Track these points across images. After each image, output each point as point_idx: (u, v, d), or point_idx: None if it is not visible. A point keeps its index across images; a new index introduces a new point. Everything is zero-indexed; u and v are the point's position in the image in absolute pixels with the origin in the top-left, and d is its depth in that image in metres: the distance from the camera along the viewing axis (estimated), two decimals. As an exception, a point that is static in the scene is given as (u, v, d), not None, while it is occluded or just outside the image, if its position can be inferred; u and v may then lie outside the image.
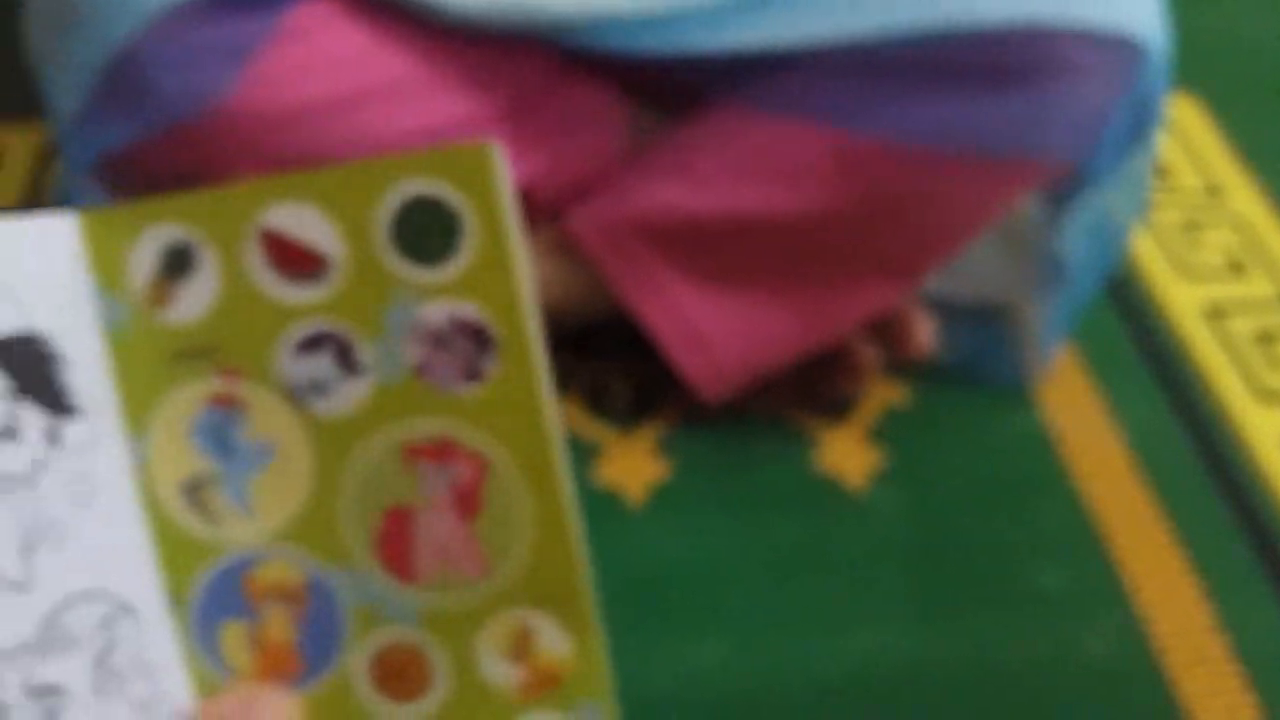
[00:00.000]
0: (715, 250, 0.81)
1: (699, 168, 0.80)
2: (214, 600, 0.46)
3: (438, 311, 0.44)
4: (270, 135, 0.74)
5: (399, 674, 0.47)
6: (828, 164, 0.77)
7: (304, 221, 0.44)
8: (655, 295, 0.82)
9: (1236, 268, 1.03)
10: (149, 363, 0.45)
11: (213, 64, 0.72)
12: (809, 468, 0.87)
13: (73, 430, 0.44)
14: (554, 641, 0.47)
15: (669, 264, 0.82)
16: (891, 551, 0.83)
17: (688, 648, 0.77)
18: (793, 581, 0.81)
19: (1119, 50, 0.74)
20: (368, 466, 0.46)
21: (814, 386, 0.90)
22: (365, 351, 0.45)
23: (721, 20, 0.73)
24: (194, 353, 0.45)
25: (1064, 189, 0.82)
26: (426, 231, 0.44)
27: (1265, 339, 0.96)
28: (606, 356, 0.91)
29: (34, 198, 1.02)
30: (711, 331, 0.83)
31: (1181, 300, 1.00)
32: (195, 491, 0.46)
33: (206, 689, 0.47)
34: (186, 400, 0.46)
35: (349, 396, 0.45)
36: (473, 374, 0.44)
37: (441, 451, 0.45)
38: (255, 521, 0.46)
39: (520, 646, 0.47)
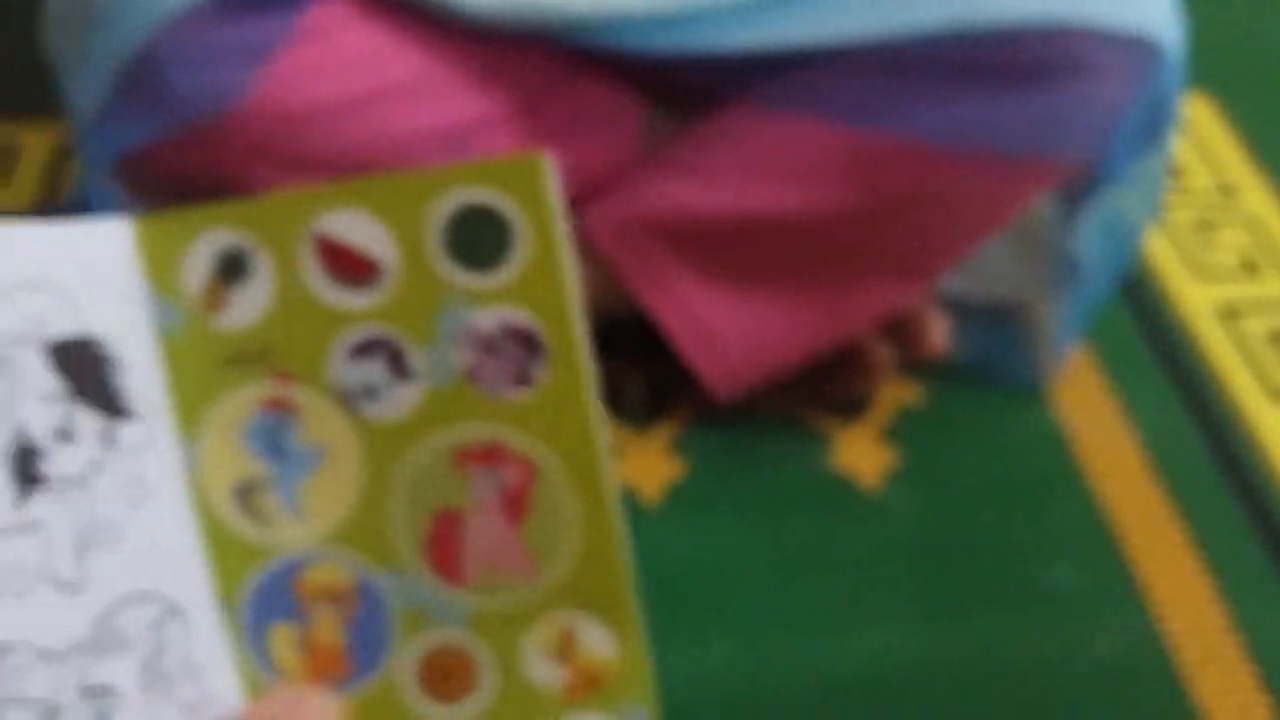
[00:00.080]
0: (729, 249, 0.81)
1: (713, 167, 0.80)
2: (264, 602, 0.47)
3: (489, 318, 0.45)
4: (287, 134, 0.74)
5: (445, 675, 0.48)
6: (841, 163, 0.77)
7: (358, 228, 0.45)
8: (669, 294, 0.83)
9: (1250, 268, 1.02)
10: (202, 366, 0.46)
11: (230, 64, 0.72)
12: (822, 467, 0.87)
13: (127, 432, 0.45)
14: (598, 643, 0.47)
15: (683, 263, 0.82)
16: (904, 551, 0.83)
17: (698, 646, 0.77)
18: (806, 580, 0.81)
19: (1134, 50, 0.74)
20: (418, 470, 0.46)
21: (828, 386, 0.90)
22: (417, 357, 0.46)
23: (737, 20, 0.73)
24: (247, 357, 0.46)
25: (1078, 188, 0.83)
26: (479, 239, 0.44)
27: (1278, 339, 0.96)
28: (620, 356, 0.91)
29: (50, 196, 1.03)
30: (725, 330, 0.83)
31: (1195, 300, 1.00)
32: (247, 494, 0.47)
33: (256, 691, 0.47)
34: (239, 404, 0.46)
35: (400, 401, 0.46)
36: (522, 379, 0.45)
37: (490, 455, 0.46)
38: (306, 524, 0.47)
39: (565, 648, 0.47)
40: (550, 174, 0.44)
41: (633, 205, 0.81)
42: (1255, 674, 0.76)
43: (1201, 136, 1.14)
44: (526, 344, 0.45)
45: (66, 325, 0.44)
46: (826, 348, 0.86)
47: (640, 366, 0.90)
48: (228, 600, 0.47)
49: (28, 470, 0.43)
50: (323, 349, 0.46)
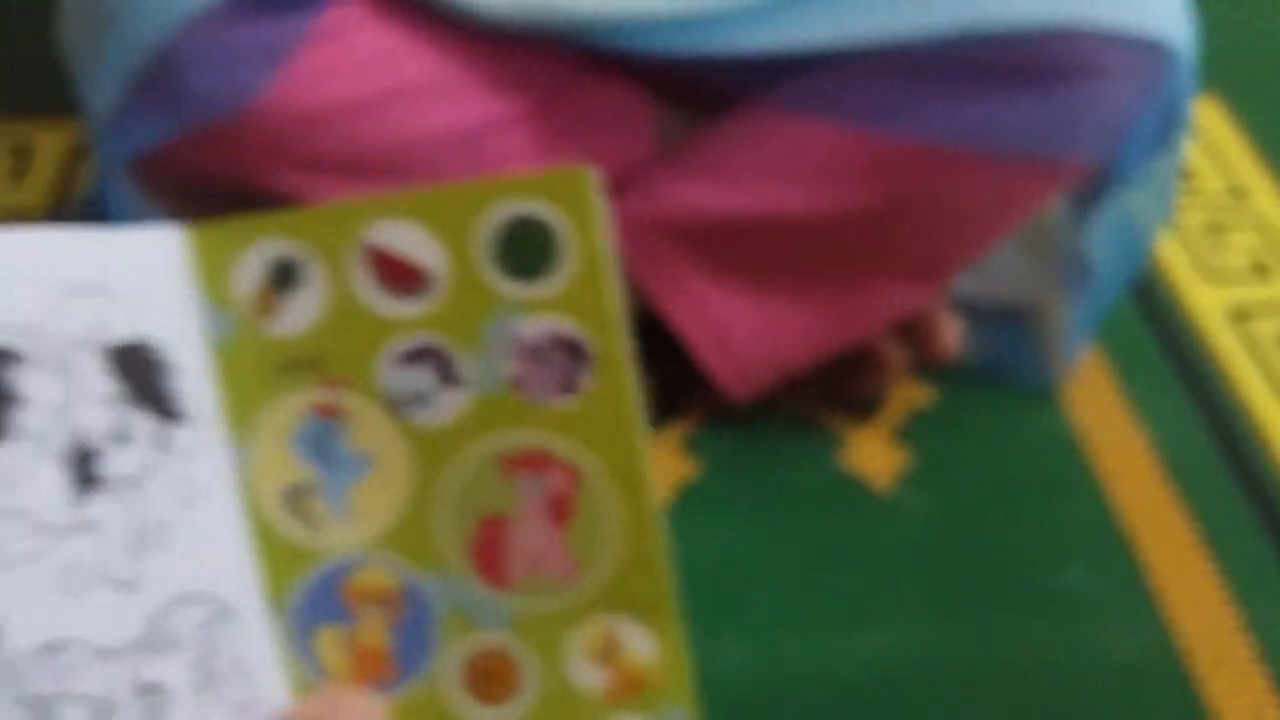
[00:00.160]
0: (742, 250, 0.82)
1: (727, 168, 0.80)
2: (312, 605, 0.48)
3: (536, 327, 0.46)
4: (303, 134, 0.74)
5: (489, 678, 0.48)
6: (854, 164, 0.77)
7: (408, 238, 0.46)
8: (682, 295, 0.83)
9: (1261, 270, 1.03)
10: (253, 373, 0.47)
11: (247, 64, 0.72)
12: (835, 467, 0.88)
13: (180, 436, 0.45)
14: (640, 646, 0.48)
15: (696, 264, 0.82)
16: (916, 551, 0.83)
17: (710, 644, 0.77)
18: (818, 580, 0.81)
19: (1147, 53, 0.74)
20: (465, 476, 0.47)
21: (840, 386, 0.90)
22: (465, 365, 0.46)
23: (753, 22, 0.74)
24: (298, 364, 0.47)
25: (1090, 190, 0.83)
26: (526, 250, 0.45)
27: (1289, 341, 0.97)
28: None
29: (64, 195, 1.03)
30: (738, 331, 0.83)
31: (1205, 302, 1.00)
32: (296, 498, 0.47)
33: (303, 692, 0.48)
34: (289, 410, 0.47)
35: (448, 408, 0.47)
36: (568, 387, 0.46)
37: (536, 462, 0.47)
38: (354, 528, 0.48)
39: (607, 651, 0.48)
40: (596, 187, 0.44)
41: (646, 205, 0.81)
42: (1267, 675, 0.77)
43: (1212, 139, 1.14)
44: (572, 353, 0.46)
45: (122, 330, 0.44)
46: (839, 349, 0.86)
47: (653, 367, 0.90)
48: (277, 602, 0.47)
49: (86, 471, 0.43)
50: (372, 356, 0.47)
